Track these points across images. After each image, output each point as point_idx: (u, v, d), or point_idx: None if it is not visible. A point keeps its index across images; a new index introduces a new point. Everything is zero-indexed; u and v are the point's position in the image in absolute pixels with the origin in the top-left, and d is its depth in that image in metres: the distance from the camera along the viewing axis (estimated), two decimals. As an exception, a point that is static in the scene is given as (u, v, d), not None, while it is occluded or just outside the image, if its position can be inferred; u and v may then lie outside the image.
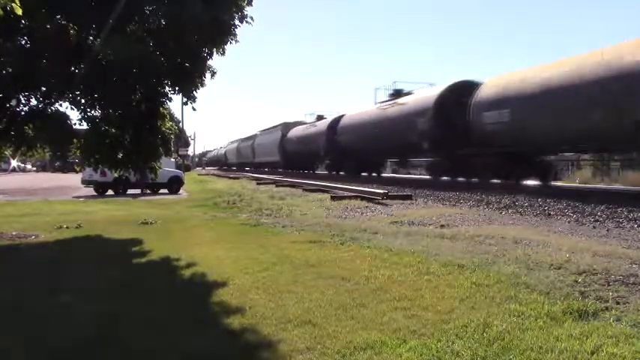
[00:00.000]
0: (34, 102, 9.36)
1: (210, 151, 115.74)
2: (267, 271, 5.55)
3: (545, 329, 3.54)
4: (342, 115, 34.09)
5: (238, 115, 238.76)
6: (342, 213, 11.75)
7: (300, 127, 44.21)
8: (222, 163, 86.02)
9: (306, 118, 47.03)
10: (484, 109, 18.62)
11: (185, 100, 9.91)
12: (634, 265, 5.26)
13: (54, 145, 10.10)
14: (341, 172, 34.38)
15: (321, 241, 7.51)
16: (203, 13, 8.21)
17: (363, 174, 31.11)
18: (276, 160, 48.89)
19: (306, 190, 18.96)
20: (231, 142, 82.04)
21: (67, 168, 38.74)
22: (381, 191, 14.66)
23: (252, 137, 61.32)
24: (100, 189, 21.62)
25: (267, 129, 56.65)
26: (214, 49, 9.20)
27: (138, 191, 21.86)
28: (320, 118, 41.79)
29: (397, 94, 27.52)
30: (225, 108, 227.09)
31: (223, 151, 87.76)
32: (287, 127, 47.16)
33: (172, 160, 24.55)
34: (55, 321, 4.10)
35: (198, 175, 49.58)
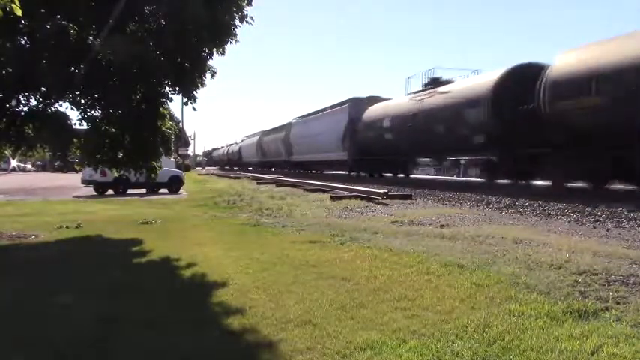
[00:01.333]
0: (34, 102, 9.35)
1: (217, 149, 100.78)
2: (267, 271, 5.56)
3: (545, 329, 3.54)
4: (540, 67, 16.31)
5: (238, 114, 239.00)
6: (342, 213, 11.74)
7: (394, 101, 26.56)
8: (233, 163, 73.19)
9: (409, 84, 26.45)
10: None
11: (185, 100, 9.92)
12: (634, 265, 5.26)
13: (54, 145, 10.09)
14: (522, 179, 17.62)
15: (321, 241, 7.52)
16: (203, 13, 8.20)
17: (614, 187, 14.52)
18: (337, 159, 32.01)
19: (306, 190, 18.96)
20: (249, 137, 67.54)
21: (67, 168, 38.43)
22: (381, 191, 14.66)
23: (285, 127, 45.72)
24: (100, 189, 21.61)
25: (316, 112, 40.06)
26: (214, 49, 9.20)
27: (138, 191, 21.86)
28: (435, 83, 22.98)
29: None
30: (225, 108, 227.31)
31: (237, 148, 72.30)
32: (358, 104, 30.23)
33: (172, 160, 24.53)
34: (54, 321, 4.10)
35: (199, 175, 49.55)
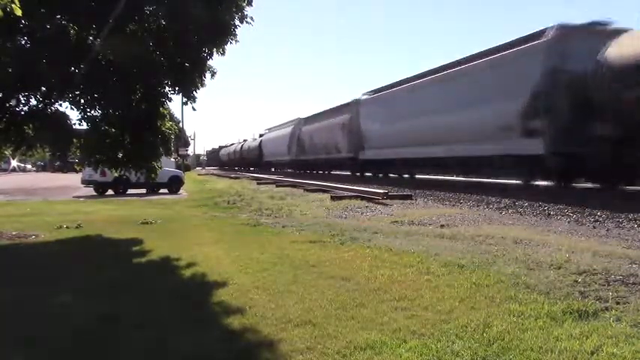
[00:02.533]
0: (34, 102, 9.37)
1: (225, 146, 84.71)
2: (267, 271, 5.56)
3: (545, 329, 3.54)
4: None
5: (238, 114, 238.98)
6: (342, 213, 11.74)
7: None
8: (249, 162, 60.27)
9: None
10: None
11: (185, 100, 9.92)
12: (634, 265, 5.26)
13: (54, 145, 10.10)
14: None
15: (321, 241, 7.51)
16: (203, 13, 8.21)
17: None
18: (505, 153, 16.03)
19: (306, 190, 18.96)
20: (273, 129, 52.15)
21: (67, 168, 37.85)
22: (381, 191, 14.66)
23: (349, 107, 30.18)
24: (100, 189, 21.64)
25: (425, 73, 22.48)
26: (214, 49, 9.20)
27: (138, 191, 21.86)
28: None
29: None
30: (225, 108, 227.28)
31: (255, 144, 56.94)
32: (575, 39, 14.28)
33: (172, 159, 24.55)
34: (54, 321, 4.10)
35: (198, 175, 49.55)
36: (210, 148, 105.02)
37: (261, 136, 58.59)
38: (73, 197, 19.48)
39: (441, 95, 19.91)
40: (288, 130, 42.95)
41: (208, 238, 8.36)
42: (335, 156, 32.08)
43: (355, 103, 29.51)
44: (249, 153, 59.68)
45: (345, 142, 30.16)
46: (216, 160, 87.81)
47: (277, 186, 22.49)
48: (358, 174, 29.32)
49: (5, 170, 54.09)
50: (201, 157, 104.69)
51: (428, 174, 23.63)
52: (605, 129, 13.09)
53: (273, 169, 48.35)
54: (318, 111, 38.42)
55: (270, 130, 54.04)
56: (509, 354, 3.14)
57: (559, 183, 15.82)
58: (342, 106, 32.30)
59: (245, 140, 68.12)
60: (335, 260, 6.05)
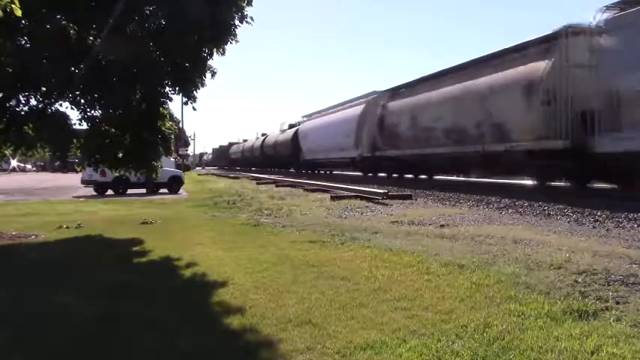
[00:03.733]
0: (34, 102, 9.36)
1: (237, 143, 73.17)
2: (268, 271, 5.56)
3: (545, 329, 3.55)
4: None
5: (238, 114, 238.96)
6: (342, 213, 11.74)
7: None
8: (275, 161, 47.20)
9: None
10: None
11: (185, 100, 9.92)
12: (634, 265, 5.26)
13: (54, 145, 10.09)
14: None
15: (321, 241, 7.51)
16: (203, 13, 8.21)
17: None
18: None
19: (306, 190, 18.96)
20: (313, 116, 38.36)
21: (67, 168, 37.86)
22: (381, 191, 14.66)
23: (529, 51, 14.65)
24: (100, 189, 21.63)
25: None
26: (214, 49, 9.21)
27: (138, 191, 21.85)
28: None
29: None
30: (225, 107, 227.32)
31: (286, 137, 41.69)
32: None
33: (172, 159, 24.53)
34: (54, 322, 4.10)
35: (198, 174, 49.54)
36: (217, 147, 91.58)
37: (291, 126, 43.26)
38: (73, 197, 19.47)
39: None
40: (355, 111, 27.74)
41: (208, 238, 8.36)
42: (496, 149, 16.21)
43: (575, 35, 13.50)
44: (276, 149, 44.11)
45: (534, 121, 14.48)
46: (226, 159, 75.49)
47: (277, 186, 22.50)
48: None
49: (5, 170, 54.02)
50: (204, 157, 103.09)
51: None
52: None
53: (309, 171, 33.31)
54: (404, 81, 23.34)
55: (310, 116, 38.58)
56: (509, 354, 3.15)
57: None
58: (517, 48, 15.95)
59: (265, 135, 53.89)
60: (335, 260, 6.05)
